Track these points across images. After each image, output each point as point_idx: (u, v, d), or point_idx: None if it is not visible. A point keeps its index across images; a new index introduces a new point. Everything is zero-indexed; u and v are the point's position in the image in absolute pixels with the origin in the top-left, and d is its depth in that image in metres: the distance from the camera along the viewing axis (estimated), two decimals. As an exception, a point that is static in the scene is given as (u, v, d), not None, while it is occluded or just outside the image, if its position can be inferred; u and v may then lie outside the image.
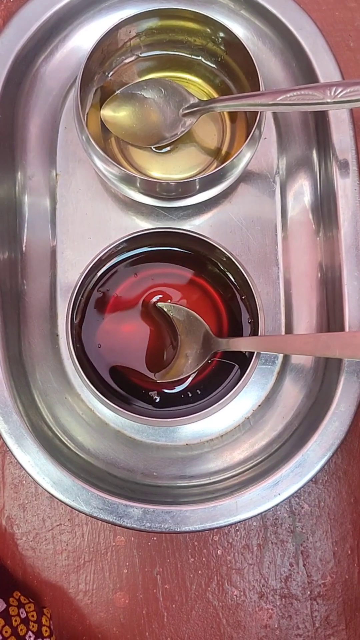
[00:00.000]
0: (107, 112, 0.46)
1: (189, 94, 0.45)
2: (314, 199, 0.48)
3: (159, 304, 0.44)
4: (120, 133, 0.46)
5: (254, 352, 0.42)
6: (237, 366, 0.45)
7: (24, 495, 0.46)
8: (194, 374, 0.44)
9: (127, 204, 0.47)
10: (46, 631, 0.42)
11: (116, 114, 0.46)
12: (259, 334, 0.43)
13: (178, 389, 0.45)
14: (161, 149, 0.47)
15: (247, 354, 0.44)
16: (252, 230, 0.48)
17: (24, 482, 0.46)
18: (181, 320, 0.44)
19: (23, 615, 0.41)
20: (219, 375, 0.45)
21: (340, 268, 0.43)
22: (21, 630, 0.40)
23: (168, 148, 0.47)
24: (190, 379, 0.45)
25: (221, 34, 0.45)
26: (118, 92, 0.46)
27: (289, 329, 0.47)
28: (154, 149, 0.47)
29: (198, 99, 0.45)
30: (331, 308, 0.46)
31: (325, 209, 0.47)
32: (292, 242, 0.48)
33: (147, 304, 0.45)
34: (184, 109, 0.45)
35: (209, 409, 0.41)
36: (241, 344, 0.43)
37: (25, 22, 0.45)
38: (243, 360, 0.44)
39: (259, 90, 0.43)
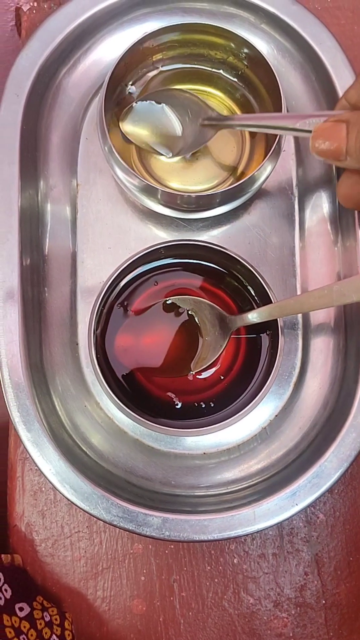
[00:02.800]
0: (126, 122, 0.46)
1: (207, 106, 0.46)
2: (332, 210, 0.48)
3: (166, 299, 0.45)
4: (140, 142, 0.47)
5: (277, 338, 0.43)
6: (257, 373, 0.45)
7: (43, 502, 0.47)
8: (219, 365, 0.45)
9: (147, 214, 0.48)
10: (69, 635, 0.42)
11: (135, 124, 0.47)
12: (279, 344, 0.43)
13: (205, 374, 0.45)
14: (180, 160, 0.48)
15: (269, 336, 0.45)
16: (270, 241, 0.48)
17: (43, 488, 0.47)
18: (193, 310, 0.45)
19: (47, 619, 0.41)
20: (239, 386, 0.45)
21: (359, 280, 0.44)
22: (46, 633, 0.41)
23: (188, 157, 0.48)
24: (219, 365, 0.45)
25: (243, 48, 0.45)
26: (137, 102, 0.46)
27: (306, 339, 0.48)
28: (173, 160, 0.47)
29: (217, 112, 0.46)
30: (349, 318, 0.46)
31: (343, 220, 0.47)
32: (310, 253, 0.48)
33: (166, 311, 0.46)
34: (203, 119, 0.46)
35: (231, 419, 0.42)
36: (257, 315, 0.43)
37: (49, 34, 0.46)
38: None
39: (280, 104, 0.44)
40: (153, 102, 0.46)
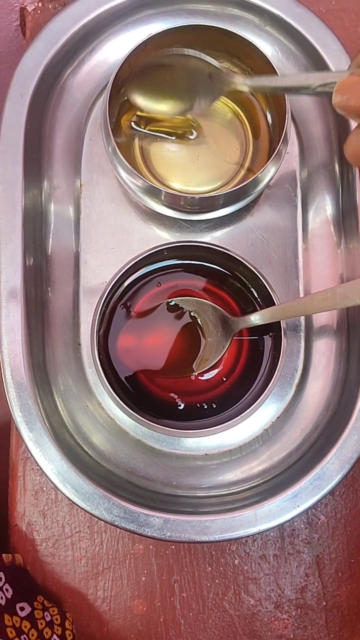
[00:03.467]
0: (133, 88, 0.45)
1: (216, 64, 0.44)
2: (335, 211, 0.48)
3: (169, 300, 0.45)
4: (148, 104, 0.45)
5: (280, 340, 0.43)
6: (260, 375, 0.45)
7: (44, 502, 0.47)
8: (222, 367, 0.46)
9: (150, 215, 0.48)
10: (69, 635, 0.42)
11: (144, 86, 0.45)
12: (281, 347, 0.43)
13: (208, 376, 0.46)
14: (184, 160, 0.48)
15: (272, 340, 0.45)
16: (273, 243, 0.48)
17: (44, 488, 0.47)
18: (196, 311, 0.45)
19: (48, 619, 0.41)
20: (241, 387, 0.45)
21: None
22: (46, 633, 0.41)
23: (195, 135, 0.47)
24: (221, 366, 0.45)
25: (246, 50, 0.45)
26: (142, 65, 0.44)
27: (308, 341, 0.48)
28: (177, 143, 0.47)
29: (228, 69, 0.44)
30: (351, 321, 0.47)
31: (347, 221, 0.47)
32: (313, 255, 0.48)
33: (169, 312, 0.46)
34: (214, 74, 0.43)
35: (232, 420, 0.42)
36: (259, 317, 0.43)
37: (53, 35, 0.46)
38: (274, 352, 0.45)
39: (284, 108, 0.44)
40: (161, 62, 0.44)
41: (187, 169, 0.48)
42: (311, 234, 0.49)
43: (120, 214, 0.48)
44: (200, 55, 0.43)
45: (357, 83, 0.36)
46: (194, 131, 0.47)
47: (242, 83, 0.42)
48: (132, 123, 0.47)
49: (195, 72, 0.44)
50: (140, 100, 0.45)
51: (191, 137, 0.47)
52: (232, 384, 0.46)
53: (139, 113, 0.47)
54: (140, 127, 0.47)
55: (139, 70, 0.45)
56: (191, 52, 0.43)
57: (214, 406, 0.45)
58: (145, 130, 0.47)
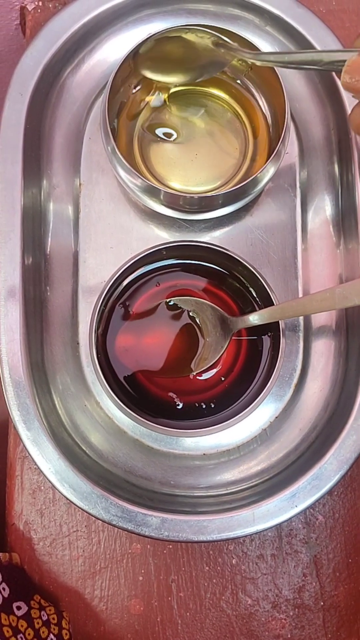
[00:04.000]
0: (142, 58, 0.45)
1: (225, 38, 0.44)
2: (334, 212, 0.49)
3: (168, 300, 0.45)
4: (157, 75, 0.46)
5: (279, 340, 0.43)
6: (258, 375, 0.45)
7: (42, 501, 0.47)
8: (221, 366, 0.46)
9: (149, 215, 0.48)
10: (66, 634, 0.42)
11: (152, 57, 0.45)
12: (280, 346, 0.43)
13: (206, 375, 0.46)
14: (183, 160, 0.48)
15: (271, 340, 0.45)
16: (272, 243, 0.48)
17: (42, 487, 0.47)
18: (195, 311, 0.45)
19: (44, 618, 0.41)
20: (240, 387, 0.45)
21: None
22: (43, 632, 0.41)
23: (193, 158, 0.47)
24: (220, 366, 0.45)
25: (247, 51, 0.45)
26: (153, 35, 0.44)
27: (307, 342, 0.48)
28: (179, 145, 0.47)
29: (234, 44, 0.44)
30: (350, 321, 0.47)
31: (346, 222, 0.47)
32: (312, 255, 0.48)
33: (167, 312, 0.46)
34: (219, 44, 0.44)
35: (231, 420, 0.42)
36: (258, 317, 0.43)
37: (53, 34, 0.46)
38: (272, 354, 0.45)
39: (284, 106, 0.44)
40: (169, 35, 0.44)
41: (187, 168, 0.48)
42: (310, 234, 0.49)
43: (119, 213, 0.48)
44: (208, 30, 0.44)
45: None
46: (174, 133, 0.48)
47: (254, 57, 0.41)
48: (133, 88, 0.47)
49: (202, 43, 0.44)
50: (148, 72, 0.46)
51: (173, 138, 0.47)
52: (230, 384, 0.46)
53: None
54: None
55: (149, 44, 0.45)
56: (199, 26, 0.44)
57: (212, 406, 0.45)
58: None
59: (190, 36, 0.45)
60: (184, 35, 0.44)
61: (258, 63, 0.42)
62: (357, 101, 0.41)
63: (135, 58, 0.45)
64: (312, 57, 0.38)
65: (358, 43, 0.38)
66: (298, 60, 0.39)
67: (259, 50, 0.44)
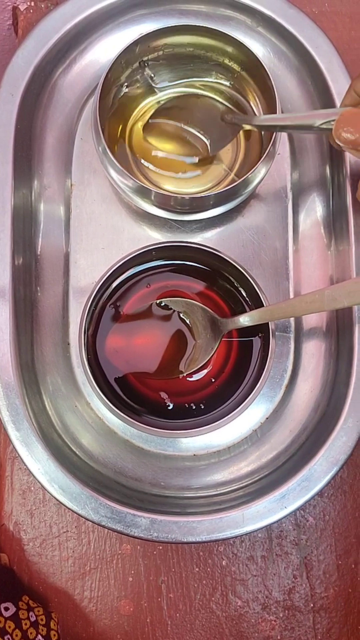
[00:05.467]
0: (150, 136, 0.47)
1: (224, 106, 0.46)
2: (326, 213, 0.48)
3: (158, 301, 0.45)
4: (164, 146, 0.47)
5: (269, 341, 0.43)
6: (248, 375, 0.45)
7: (32, 502, 0.47)
8: (211, 367, 0.46)
9: (141, 215, 0.48)
10: (54, 635, 0.42)
11: (159, 138, 0.47)
12: (270, 347, 0.43)
13: (197, 377, 0.46)
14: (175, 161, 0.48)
15: (261, 341, 0.45)
16: (263, 244, 0.48)
17: (32, 488, 0.47)
18: (185, 312, 0.45)
19: (32, 619, 0.41)
20: (230, 388, 0.45)
21: (351, 284, 0.44)
22: (31, 633, 0.41)
23: (198, 173, 0.48)
24: (210, 366, 0.46)
25: (238, 51, 0.45)
26: (151, 120, 0.47)
27: (298, 342, 0.48)
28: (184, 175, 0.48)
29: (237, 111, 0.46)
30: (341, 322, 0.46)
31: (337, 224, 0.47)
32: (303, 256, 0.48)
33: (158, 313, 0.46)
34: (225, 117, 0.46)
35: (220, 421, 0.42)
36: (248, 318, 0.43)
37: (44, 34, 0.46)
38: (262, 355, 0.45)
39: (275, 107, 0.44)
40: (170, 106, 0.47)
41: (179, 170, 0.48)
42: (302, 236, 0.49)
43: (111, 214, 0.48)
44: (214, 97, 0.46)
45: (356, 115, 0.36)
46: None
47: (253, 124, 0.44)
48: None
49: (208, 115, 0.46)
50: (156, 142, 0.47)
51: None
52: (221, 385, 0.46)
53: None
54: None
55: (153, 113, 0.47)
56: (203, 92, 0.46)
57: (203, 407, 0.45)
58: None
59: (198, 105, 0.46)
60: (193, 105, 0.46)
61: (255, 128, 0.44)
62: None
63: (144, 128, 0.47)
64: (308, 120, 0.40)
65: (347, 100, 0.39)
66: (294, 125, 0.41)
67: (249, 49, 0.44)
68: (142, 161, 0.47)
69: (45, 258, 0.47)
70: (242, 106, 0.48)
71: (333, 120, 0.38)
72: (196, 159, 0.47)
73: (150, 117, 0.47)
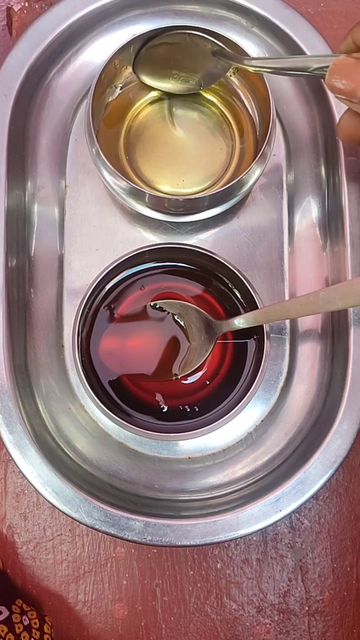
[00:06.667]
0: (141, 71, 0.46)
1: (220, 44, 0.45)
2: (321, 214, 0.48)
3: (153, 303, 0.45)
4: (155, 82, 0.47)
5: (263, 345, 0.43)
6: (243, 378, 0.45)
7: (26, 505, 0.46)
8: (206, 369, 0.45)
9: (135, 217, 0.48)
10: (48, 638, 0.42)
11: (150, 64, 0.46)
12: (264, 349, 0.43)
13: (192, 379, 0.45)
14: (170, 161, 0.47)
15: (256, 343, 0.44)
16: (258, 246, 0.48)
17: (26, 491, 0.46)
18: (180, 314, 0.45)
19: (26, 623, 0.41)
20: (225, 390, 0.45)
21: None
22: (24, 637, 0.40)
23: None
24: (205, 369, 0.45)
25: (232, 51, 0.45)
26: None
27: (293, 344, 0.47)
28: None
29: (228, 49, 0.45)
30: (336, 325, 0.46)
31: (332, 225, 0.47)
32: (298, 258, 0.48)
33: (152, 315, 0.45)
34: (218, 52, 0.45)
35: (215, 423, 0.42)
36: (243, 321, 0.43)
37: (38, 34, 0.46)
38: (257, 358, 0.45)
39: (269, 109, 0.43)
40: (163, 41, 0.45)
41: (173, 170, 0.48)
42: (297, 237, 0.48)
43: (105, 216, 0.48)
44: (204, 35, 0.44)
45: (351, 66, 0.36)
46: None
47: (246, 63, 0.42)
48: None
49: (199, 50, 0.45)
50: (147, 79, 0.46)
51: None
52: (215, 387, 0.45)
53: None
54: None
55: (146, 48, 0.45)
56: (196, 31, 0.44)
57: (197, 409, 0.45)
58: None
59: (188, 42, 0.45)
60: (182, 42, 0.45)
61: (251, 69, 0.42)
62: (345, 107, 0.41)
63: (134, 63, 0.46)
64: (302, 63, 0.39)
65: (343, 47, 0.38)
66: (288, 67, 0.40)
67: (249, 55, 0.43)
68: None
69: (39, 259, 0.47)
70: (237, 106, 0.48)
71: (327, 67, 0.37)
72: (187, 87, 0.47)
73: (140, 53, 0.46)
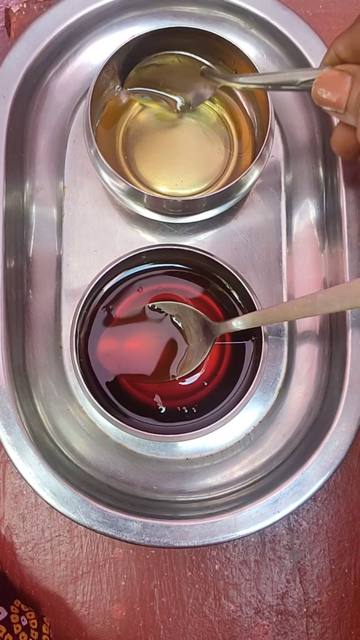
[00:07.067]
0: (129, 82, 0.47)
1: (203, 64, 0.46)
2: (319, 216, 0.48)
3: (151, 304, 0.45)
4: (144, 102, 0.47)
5: (261, 346, 0.43)
6: (241, 379, 0.45)
7: (24, 506, 0.46)
8: (204, 370, 0.46)
9: (134, 218, 0.48)
10: (46, 639, 0.42)
11: (140, 84, 0.47)
12: (262, 351, 0.43)
13: (190, 380, 0.45)
14: (169, 162, 0.47)
15: (254, 345, 0.44)
16: (256, 247, 0.48)
17: (24, 492, 0.47)
18: (178, 316, 0.45)
19: (24, 623, 0.41)
20: (223, 391, 0.45)
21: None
22: (22, 637, 0.41)
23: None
24: (203, 370, 0.45)
25: (231, 53, 0.45)
26: (127, 91, 0.47)
27: (292, 346, 0.47)
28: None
29: (215, 67, 0.46)
30: (334, 326, 0.46)
31: (330, 226, 0.47)
32: (296, 259, 0.48)
33: (150, 316, 0.45)
34: (207, 72, 0.45)
35: (212, 425, 0.42)
36: (241, 322, 0.43)
37: (37, 36, 0.46)
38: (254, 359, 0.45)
39: (267, 109, 0.43)
40: (152, 62, 0.46)
41: (172, 171, 0.48)
42: (295, 238, 0.48)
43: (103, 217, 0.48)
44: (192, 55, 0.45)
45: (336, 77, 0.37)
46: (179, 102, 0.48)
47: (233, 81, 0.43)
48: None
49: (188, 71, 0.45)
50: (137, 97, 0.47)
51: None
52: (213, 388, 0.45)
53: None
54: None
55: (135, 69, 0.46)
56: (184, 52, 0.45)
57: (195, 410, 0.45)
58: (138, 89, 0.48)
59: (177, 63, 0.46)
60: (171, 63, 0.46)
61: (238, 87, 0.43)
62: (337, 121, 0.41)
63: (123, 82, 0.46)
64: (289, 77, 0.40)
65: (327, 60, 0.39)
66: (275, 82, 0.41)
67: (242, 51, 0.44)
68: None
69: (37, 261, 0.47)
70: (235, 108, 0.48)
71: (313, 80, 0.38)
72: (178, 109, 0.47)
73: (130, 74, 0.46)
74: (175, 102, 0.47)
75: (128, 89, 0.47)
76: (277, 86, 0.41)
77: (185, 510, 0.43)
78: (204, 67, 0.46)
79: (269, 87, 0.41)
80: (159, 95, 0.47)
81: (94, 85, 0.44)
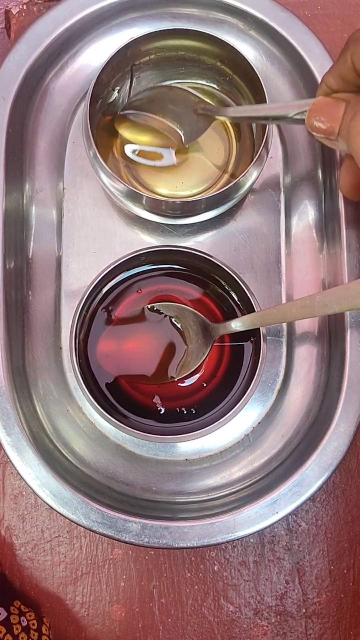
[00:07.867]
0: (123, 129, 0.47)
1: (198, 97, 0.46)
2: (318, 217, 0.48)
3: (150, 306, 0.45)
4: (136, 137, 0.47)
5: (260, 347, 0.43)
6: (240, 380, 0.45)
7: (24, 506, 0.47)
8: (203, 371, 0.46)
9: (133, 219, 0.48)
10: (45, 640, 0.42)
11: (132, 130, 0.47)
12: (261, 352, 0.43)
13: (189, 381, 0.45)
14: (168, 164, 0.47)
15: (252, 347, 0.45)
16: (255, 248, 0.48)
17: (24, 493, 0.47)
18: (177, 317, 0.45)
19: (24, 624, 0.41)
20: (222, 392, 0.45)
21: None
22: (22, 638, 0.41)
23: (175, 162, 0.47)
24: (202, 371, 0.45)
25: (229, 54, 0.45)
26: (123, 111, 0.47)
27: (290, 347, 0.48)
28: (165, 163, 0.47)
29: (209, 102, 0.46)
30: (333, 327, 0.46)
31: (329, 227, 0.47)
32: (295, 260, 0.48)
33: (150, 317, 0.46)
34: (198, 108, 0.45)
35: (212, 425, 0.42)
36: (239, 324, 0.43)
37: (36, 37, 0.46)
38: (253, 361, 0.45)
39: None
40: (143, 112, 0.47)
41: (171, 173, 0.48)
42: (294, 239, 0.48)
43: (103, 218, 0.48)
44: (187, 88, 0.46)
45: (329, 104, 0.37)
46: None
47: (226, 115, 0.44)
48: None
49: (181, 106, 0.46)
50: (128, 134, 0.47)
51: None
52: (212, 389, 0.46)
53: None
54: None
55: (128, 104, 0.47)
56: (178, 84, 0.46)
57: (194, 411, 0.45)
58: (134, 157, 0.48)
59: (170, 95, 0.46)
60: (165, 97, 0.46)
61: (231, 120, 0.44)
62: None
63: (115, 119, 0.47)
64: (282, 110, 0.40)
65: (320, 92, 0.39)
66: (268, 116, 0.41)
67: (240, 52, 0.44)
68: (131, 155, 0.47)
69: (36, 262, 0.47)
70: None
71: (305, 111, 0.38)
72: (172, 151, 0.47)
73: (121, 110, 0.47)
74: (174, 131, 0.46)
75: (125, 112, 0.47)
76: (269, 118, 0.41)
77: (184, 511, 0.44)
78: (196, 100, 0.45)
79: (261, 120, 0.42)
80: (159, 121, 0.47)
81: (94, 86, 0.44)
